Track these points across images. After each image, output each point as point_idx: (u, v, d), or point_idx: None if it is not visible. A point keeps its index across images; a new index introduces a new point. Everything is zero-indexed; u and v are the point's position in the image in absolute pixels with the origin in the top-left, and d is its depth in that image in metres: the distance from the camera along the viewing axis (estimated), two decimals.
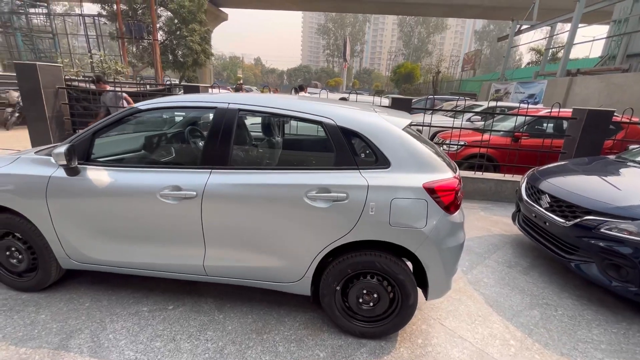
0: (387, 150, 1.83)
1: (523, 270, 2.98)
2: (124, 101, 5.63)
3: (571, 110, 4.90)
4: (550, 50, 19.09)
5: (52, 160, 1.98)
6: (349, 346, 1.94)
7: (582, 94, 10.51)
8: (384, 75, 76.27)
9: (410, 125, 2.14)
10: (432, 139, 6.25)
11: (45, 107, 4.98)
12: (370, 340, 1.99)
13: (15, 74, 5.02)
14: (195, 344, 1.88)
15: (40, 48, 19.48)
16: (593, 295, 2.63)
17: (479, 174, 4.98)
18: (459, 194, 1.85)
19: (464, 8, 28.96)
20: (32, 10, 19.31)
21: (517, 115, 5.20)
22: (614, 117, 4.49)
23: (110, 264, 2.13)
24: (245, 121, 2.92)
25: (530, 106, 5.26)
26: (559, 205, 2.75)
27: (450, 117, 8.19)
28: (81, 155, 2.01)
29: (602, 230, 2.36)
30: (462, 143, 5.32)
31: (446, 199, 1.78)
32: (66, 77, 5.72)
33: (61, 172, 1.99)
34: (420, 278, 1.94)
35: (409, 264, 1.97)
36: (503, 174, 5.06)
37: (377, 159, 1.83)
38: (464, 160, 5.36)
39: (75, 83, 6.28)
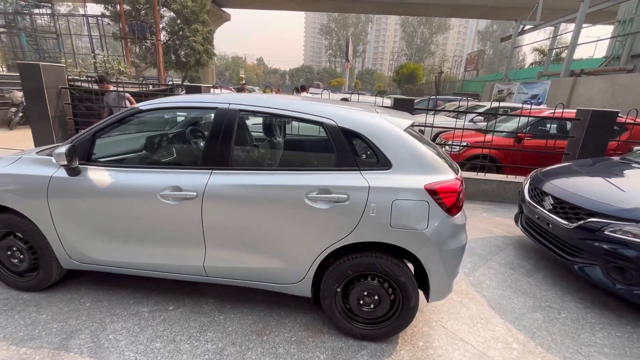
0: (389, 151, 1.81)
1: (526, 272, 2.96)
2: (127, 101, 5.64)
3: (575, 111, 4.86)
4: (554, 51, 18.99)
5: (53, 160, 1.99)
6: (350, 348, 1.93)
7: (586, 95, 10.44)
8: (387, 76, 76.16)
9: (413, 126, 2.12)
10: (434, 139, 6.23)
11: (48, 107, 5.01)
12: (371, 342, 1.98)
13: (19, 74, 5.04)
14: (195, 345, 1.88)
15: (44, 48, 19.66)
16: (597, 298, 2.60)
17: (481, 175, 4.95)
18: (460, 196, 1.83)
19: (467, 8, 28.85)
20: (36, 10, 19.48)
21: (520, 116, 5.17)
22: (618, 118, 4.46)
23: (110, 264, 2.13)
24: (247, 122, 2.92)
25: (533, 107, 5.22)
26: (562, 206, 2.72)
27: (452, 117, 8.16)
28: (82, 156, 2.01)
29: (606, 232, 2.33)
30: (465, 144, 5.30)
31: (448, 201, 1.76)
32: (69, 77, 5.75)
33: (62, 172, 2.00)
34: (422, 280, 1.93)
35: (410, 265, 1.96)
36: (506, 175, 5.03)
37: (378, 160, 1.82)
38: (466, 161, 5.33)
39: (78, 83, 6.31)
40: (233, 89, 11.48)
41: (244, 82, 17.19)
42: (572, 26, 13.18)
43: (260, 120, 3.05)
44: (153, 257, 2.04)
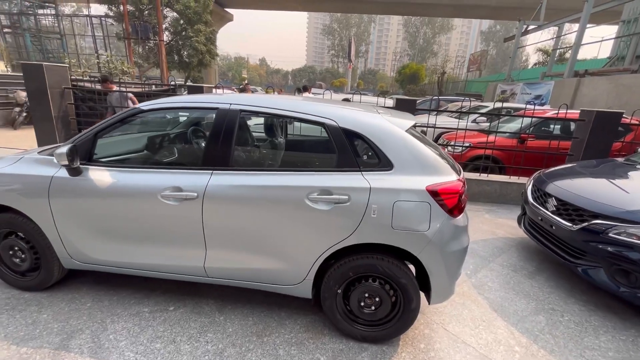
0: (390, 152, 1.80)
1: (528, 274, 2.93)
2: (130, 101, 5.66)
3: (579, 111, 4.83)
4: (558, 51, 18.87)
5: (55, 160, 1.99)
6: (350, 350, 1.91)
7: (590, 95, 10.36)
8: (389, 76, 76.04)
9: (415, 126, 2.11)
10: (437, 140, 6.20)
11: (51, 107, 5.03)
12: (371, 344, 1.97)
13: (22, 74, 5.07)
14: (195, 346, 1.87)
15: (49, 48, 19.79)
16: (600, 301, 2.57)
17: (484, 176, 4.92)
18: (463, 197, 1.81)
19: (470, 8, 28.78)
20: (40, 11, 19.62)
21: (523, 116, 5.14)
22: (622, 119, 4.42)
23: (111, 264, 2.13)
24: (248, 122, 2.91)
25: (536, 107, 5.19)
26: (566, 208, 2.70)
27: (455, 118, 8.12)
28: (83, 156, 2.01)
29: (610, 234, 2.30)
30: (467, 144, 5.27)
31: (450, 202, 1.75)
32: (72, 77, 5.77)
33: (63, 172, 2.00)
34: (423, 282, 1.91)
35: (412, 267, 1.95)
36: (508, 176, 5.00)
37: (380, 161, 1.81)
38: (469, 161, 5.30)
39: (82, 83, 6.33)
40: (235, 89, 11.49)
41: (246, 82, 17.21)
42: (576, 26, 13.08)
43: (261, 120, 3.05)
44: (153, 257, 2.04)
